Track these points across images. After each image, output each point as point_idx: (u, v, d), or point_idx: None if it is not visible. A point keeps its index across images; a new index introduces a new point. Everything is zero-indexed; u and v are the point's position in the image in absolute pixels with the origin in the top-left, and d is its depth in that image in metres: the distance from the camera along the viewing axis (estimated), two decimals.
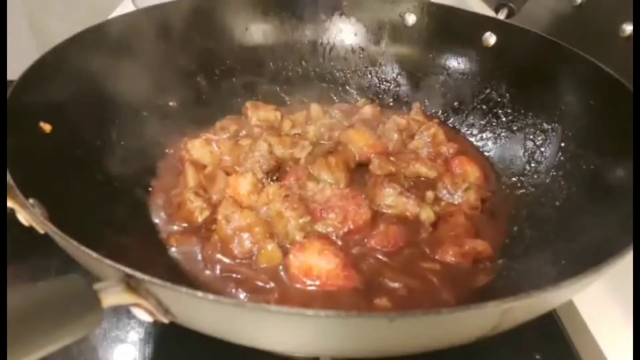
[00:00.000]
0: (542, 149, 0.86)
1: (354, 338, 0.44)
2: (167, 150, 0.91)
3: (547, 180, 0.82)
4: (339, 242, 0.72)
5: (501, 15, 1.01)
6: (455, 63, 1.03)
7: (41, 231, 0.49)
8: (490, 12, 1.08)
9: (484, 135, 0.98)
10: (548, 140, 0.86)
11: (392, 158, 0.89)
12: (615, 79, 0.75)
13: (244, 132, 0.93)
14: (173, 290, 0.40)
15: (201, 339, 0.49)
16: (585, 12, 1.06)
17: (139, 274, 0.40)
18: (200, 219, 0.76)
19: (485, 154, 0.96)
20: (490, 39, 0.97)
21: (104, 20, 0.86)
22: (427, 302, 0.66)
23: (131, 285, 0.41)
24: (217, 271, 0.69)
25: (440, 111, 1.04)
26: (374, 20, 1.08)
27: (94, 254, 0.43)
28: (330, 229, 0.73)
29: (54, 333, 0.38)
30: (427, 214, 0.77)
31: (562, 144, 0.83)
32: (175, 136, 0.92)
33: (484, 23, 0.98)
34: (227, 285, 0.67)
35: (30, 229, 0.50)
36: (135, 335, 0.69)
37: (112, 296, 0.41)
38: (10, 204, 0.49)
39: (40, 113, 0.68)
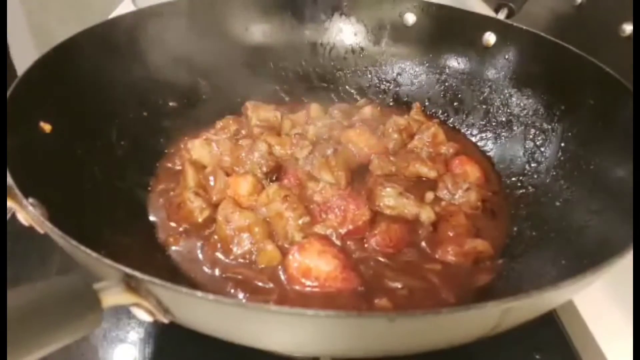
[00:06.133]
0: (542, 149, 0.87)
1: (354, 338, 0.44)
2: (167, 150, 0.91)
3: (547, 180, 0.82)
4: (339, 243, 0.72)
5: (501, 15, 1.01)
6: (455, 63, 1.03)
7: (41, 231, 0.49)
8: (490, 12, 1.08)
9: (484, 135, 0.98)
10: (548, 140, 0.86)
11: (392, 158, 0.89)
12: (615, 79, 0.75)
13: (244, 132, 0.93)
14: (173, 290, 0.40)
15: (201, 339, 0.49)
16: (585, 12, 1.06)
17: (139, 274, 0.40)
18: (200, 219, 0.76)
19: (486, 154, 0.96)
20: (490, 39, 0.97)
21: (103, 20, 0.86)
22: (427, 302, 0.66)
23: (131, 285, 0.41)
24: (217, 271, 0.69)
25: (440, 111, 1.04)
26: (374, 20, 1.08)
27: (94, 254, 0.43)
28: (329, 231, 0.73)
29: (54, 333, 0.38)
30: (427, 214, 0.77)
31: (562, 144, 0.83)
32: (175, 136, 0.92)
33: (484, 23, 0.98)
34: (227, 285, 0.67)
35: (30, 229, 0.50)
36: (135, 335, 0.69)
37: (112, 296, 0.41)
38: (10, 203, 0.49)
39: (40, 113, 0.68)
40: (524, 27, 0.92)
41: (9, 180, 0.51)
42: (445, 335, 0.47)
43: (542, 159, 0.86)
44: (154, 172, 0.86)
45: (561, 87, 0.86)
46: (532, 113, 0.91)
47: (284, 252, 0.70)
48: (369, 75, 1.10)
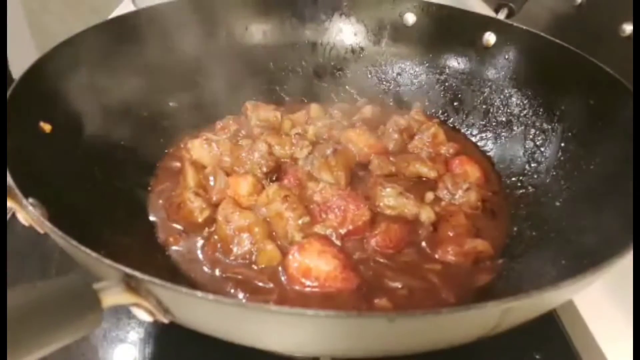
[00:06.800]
0: (542, 149, 0.87)
1: (354, 338, 0.44)
2: (167, 150, 0.91)
3: (547, 180, 0.82)
4: (339, 243, 0.72)
5: (501, 15, 1.01)
6: (455, 63, 1.03)
7: (41, 231, 0.49)
8: (490, 12, 1.08)
9: (484, 135, 0.98)
10: (548, 140, 0.86)
11: (392, 158, 0.89)
12: (615, 79, 0.75)
13: (244, 132, 0.93)
14: (173, 290, 0.40)
15: (201, 339, 0.49)
16: (585, 12, 1.06)
17: (139, 274, 0.40)
18: (200, 219, 0.76)
19: (486, 154, 0.96)
20: (490, 39, 0.97)
21: (103, 20, 0.86)
22: (427, 302, 0.66)
23: (131, 285, 0.41)
24: (217, 271, 0.69)
25: (440, 111, 1.04)
26: (374, 20, 1.08)
27: (94, 254, 0.43)
28: (329, 231, 0.73)
29: (54, 333, 0.38)
30: (427, 214, 0.77)
31: (562, 144, 0.83)
32: (175, 136, 0.92)
33: (484, 23, 0.98)
34: (227, 285, 0.67)
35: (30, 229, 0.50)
36: (135, 335, 0.69)
37: (112, 296, 0.41)
38: (10, 204, 0.49)
39: (40, 113, 0.68)
40: (524, 27, 0.92)
41: (9, 180, 0.51)
42: (445, 335, 0.47)
43: (542, 159, 0.86)
44: (154, 172, 0.86)
45: (561, 87, 0.86)
46: (532, 113, 0.91)
47: (284, 252, 0.70)
48: (369, 75, 1.10)
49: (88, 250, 0.43)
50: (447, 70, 1.04)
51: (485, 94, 0.99)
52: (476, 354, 0.68)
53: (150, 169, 0.86)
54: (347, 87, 1.10)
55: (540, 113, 0.89)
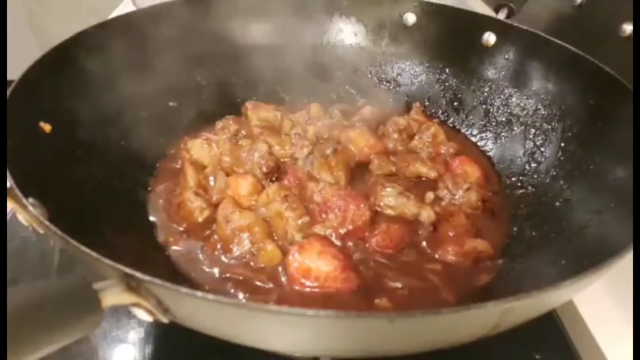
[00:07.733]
0: (542, 149, 0.87)
1: (354, 338, 0.44)
2: (167, 150, 0.91)
3: (547, 180, 0.82)
4: (339, 243, 0.72)
5: (501, 15, 1.01)
6: (455, 63, 1.03)
7: (41, 231, 0.49)
8: (490, 12, 1.08)
9: (484, 135, 0.98)
10: (548, 140, 0.86)
11: (392, 158, 0.89)
12: (615, 79, 0.75)
13: (244, 132, 0.93)
14: (173, 290, 0.40)
15: (201, 339, 0.49)
16: (585, 12, 1.05)
17: (139, 274, 0.40)
18: (200, 219, 0.76)
19: (486, 154, 0.96)
20: (490, 39, 0.97)
21: (103, 20, 0.86)
22: (427, 302, 0.66)
23: (131, 285, 0.41)
24: (217, 271, 0.69)
25: (440, 111, 1.05)
26: (374, 20, 1.08)
27: (94, 254, 0.43)
28: (329, 231, 0.73)
29: (54, 333, 0.38)
30: (427, 214, 0.77)
31: (562, 144, 0.83)
32: (175, 136, 0.92)
33: (484, 23, 0.98)
34: (227, 285, 0.67)
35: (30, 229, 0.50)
36: (135, 335, 0.69)
37: (112, 296, 0.41)
38: (10, 204, 0.49)
39: (40, 113, 0.68)
40: (524, 27, 0.92)
41: (9, 180, 0.51)
42: (445, 335, 0.47)
43: (542, 159, 0.86)
44: (154, 172, 0.86)
45: (561, 87, 0.86)
46: (532, 113, 0.91)
47: (284, 252, 0.70)
48: (369, 75, 1.10)
49: (88, 250, 0.43)
50: (447, 70, 1.04)
51: (485, 94, 0.99)
52: (476, 354, 0.68)
53: (150, 169, 0.86)
54: (347, 87, 1.10)
55: (540, 113, 0.89)
